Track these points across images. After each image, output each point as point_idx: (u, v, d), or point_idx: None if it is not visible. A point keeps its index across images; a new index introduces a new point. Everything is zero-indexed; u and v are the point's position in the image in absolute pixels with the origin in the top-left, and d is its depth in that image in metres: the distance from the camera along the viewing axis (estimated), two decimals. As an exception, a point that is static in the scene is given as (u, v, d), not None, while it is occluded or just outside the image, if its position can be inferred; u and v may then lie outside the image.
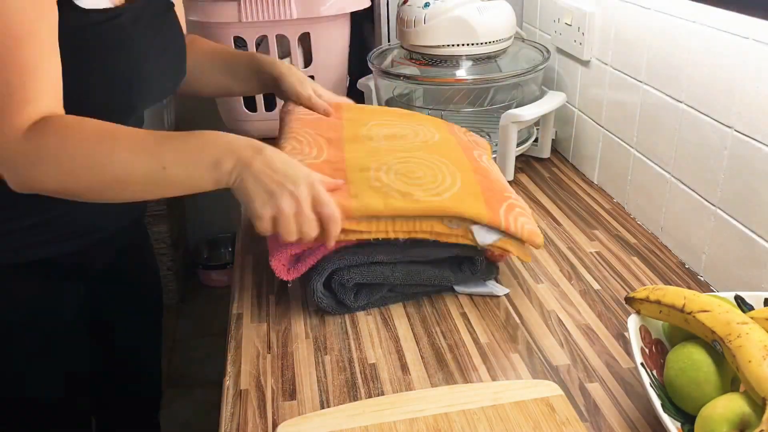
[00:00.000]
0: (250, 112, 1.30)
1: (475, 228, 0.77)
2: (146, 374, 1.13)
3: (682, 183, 0.88)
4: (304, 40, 1.24)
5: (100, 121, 0.67)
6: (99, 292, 0.95)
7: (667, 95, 0.90)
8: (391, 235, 0.76)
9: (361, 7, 1.25)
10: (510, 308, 0.80)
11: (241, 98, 1.28)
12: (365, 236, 0.75)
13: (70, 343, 0.89)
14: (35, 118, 0.64)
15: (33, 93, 0.64)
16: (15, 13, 0.62)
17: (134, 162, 0.66)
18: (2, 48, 0.62)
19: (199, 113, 2.20)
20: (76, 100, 0.69)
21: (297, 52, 1.24)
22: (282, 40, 1.24)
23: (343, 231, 0.73)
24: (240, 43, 1.22)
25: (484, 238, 0.77)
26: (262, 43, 1.23)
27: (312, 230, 0.70)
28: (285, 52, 1.25)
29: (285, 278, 0.77)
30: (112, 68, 0.73)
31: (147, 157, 0.66)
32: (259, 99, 1.28)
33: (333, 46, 1.27)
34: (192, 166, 0.67)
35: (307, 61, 1.26)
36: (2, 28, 0.62)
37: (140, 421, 1.15)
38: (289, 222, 0.68)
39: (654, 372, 0.62)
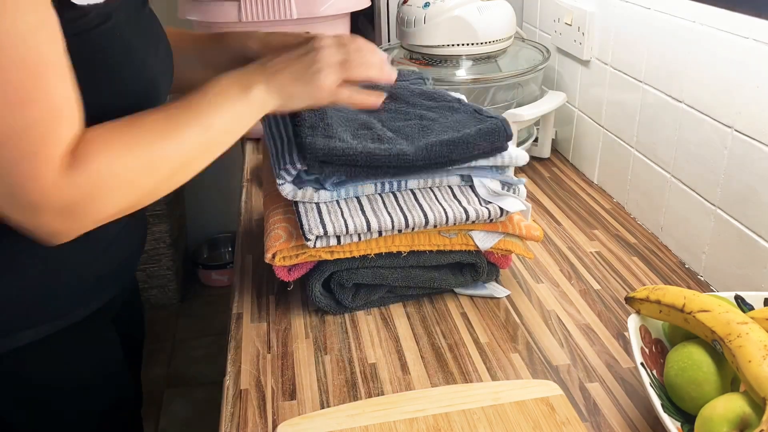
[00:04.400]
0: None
1: (474, 234, 0.78)
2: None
3: (682, 183, 0.88)
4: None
5: (124, 119, 0.62)
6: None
7: (667, 95, 0.90)
8: (393, 249, 0.76)
9: (361, 7, 1.25)
10: (510, 308, 0.80)
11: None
12: (367, 252, 0.75)
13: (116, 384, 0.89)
14: (70, 149, 0.56)
15: (62, 124, 0.56)
16: (27, 40, 0.52)
17: (184, 139, 0.62)
18: (21, 85, 0.53)
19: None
20: (89, 116, 0.61)
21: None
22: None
23: (345, 250, 0.74)
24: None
25: (485, 242, 0.78)
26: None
27: (370, 56, 0.72)
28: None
29: (285, 279, 0.77)
30: (119, 76, 0.68)
31: (192, 127, 0.63)
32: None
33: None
34: (231, 108, 0.65)
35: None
36: (17, 62, 0.52)
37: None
38: (349, 57, 0.70)
39: (654, 372, 0.62)
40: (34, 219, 0.56)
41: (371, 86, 0.75)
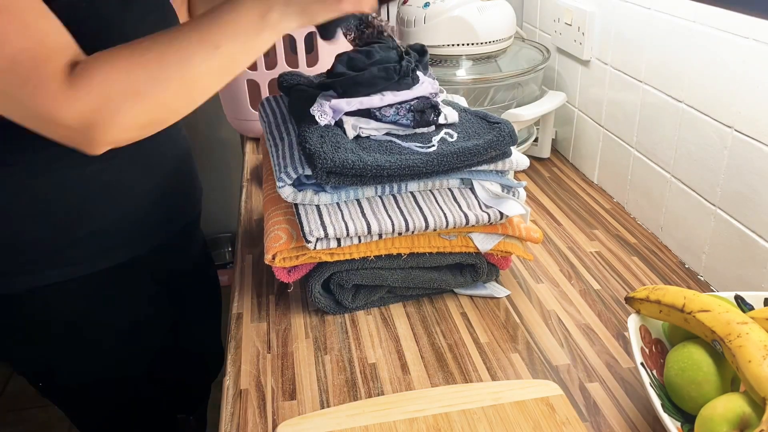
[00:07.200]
0: (255, 111, 1.30)
1: (473, 236, 0.78)
2: (207, 354, 1.20)
3: (682, 183, 0.88)
4: (309, 39, 1.24)
5: (130, 42, 0.64)
6: (173, 290, 1.02)
7: (667, 95, 0.90)
8: (393, 251, 0.76)
9: None
10: (510, 308, 0.80)
11: (247, 97, 1.28)
12: (366, 254, 0.75)
13: (149, 334, 0.97)
14: (68, 69, 0.61)
15: (51, 49, 0.61)
16: None
17: (190, 56, 0.63)
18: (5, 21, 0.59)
19: (203, 112, 2.21)
20: None
21: (303, 51, 1.23)
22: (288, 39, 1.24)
23: (345, 252, 0.74)
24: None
25: (485, 244, 0.78)
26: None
27: None
28: (291, 52, 1.25)
29: (285, 281, 0.77)
30: (91, 47, 0.68)
31: (197, 46, 0.64)
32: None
33: (339, 46, 1.27)
34: (242, 34, 0.65)
35: (313, 60, 1.26)
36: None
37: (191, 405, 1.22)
38: None
39: (654, 372, 0.62)
40: (58, 132, 0.62)
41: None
